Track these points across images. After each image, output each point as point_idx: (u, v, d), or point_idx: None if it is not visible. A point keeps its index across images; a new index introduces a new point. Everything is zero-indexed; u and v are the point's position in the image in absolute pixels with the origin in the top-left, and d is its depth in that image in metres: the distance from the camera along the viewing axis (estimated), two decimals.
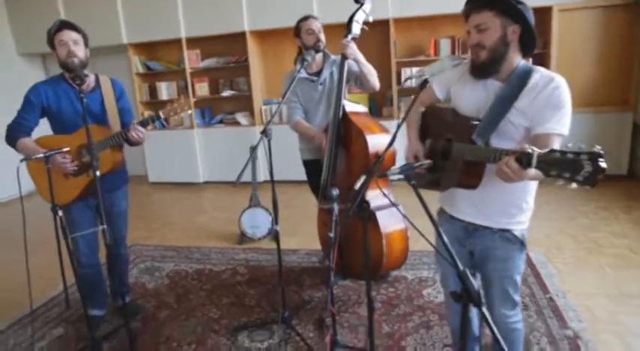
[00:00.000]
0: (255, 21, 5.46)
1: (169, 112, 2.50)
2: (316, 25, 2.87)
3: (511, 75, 1.62)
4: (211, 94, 5.95)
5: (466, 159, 1.58)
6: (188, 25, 5.57)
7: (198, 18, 5.53)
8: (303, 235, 4.16)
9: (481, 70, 1.63)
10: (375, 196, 2.71)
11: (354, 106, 2.80)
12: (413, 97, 1.86)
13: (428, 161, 1.63)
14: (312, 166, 3.07)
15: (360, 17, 2.69)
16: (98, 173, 2.09)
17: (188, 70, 5.77)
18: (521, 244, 1.72)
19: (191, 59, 5.77)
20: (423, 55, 5.27)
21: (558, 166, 1.22)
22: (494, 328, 1.06)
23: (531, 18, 1.60)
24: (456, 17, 4.99)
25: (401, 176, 1.54)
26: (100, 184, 2.11)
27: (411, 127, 1.92)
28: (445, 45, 5.22)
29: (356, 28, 2.69)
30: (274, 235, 4.00)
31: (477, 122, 1.60)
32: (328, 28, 5.31)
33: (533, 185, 1.73)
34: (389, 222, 2.63)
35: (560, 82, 1.59)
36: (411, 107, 1.77)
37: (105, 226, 2.07)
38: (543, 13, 4.86)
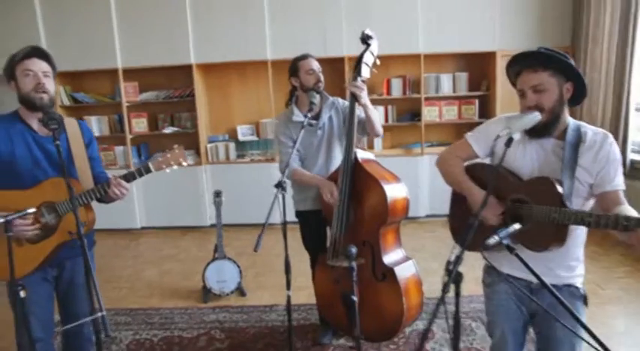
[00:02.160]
0: (202, 54, 5.13)
1: (161, 165, 2.11)
2: (316, 65, 2.68)
3: (565, 131, 1.61)
4: (150, 131, 5.42)
5: (557, 222, 1.47)
6: (126, 54, 5.05)
7: (138, 47, 5.06)
8: (272, 287, 3.83)
9: (540, 131, 1.60)
10: (390, 252, 2.53)
11: (364, 152, 2.63)
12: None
13: (517, 226, 1.50)
14: (310, 218, 2.81)
15: (368, 59, 2.55)
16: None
17: (125, 104, 5.21)
18: (584, 298, 1.71)
19: (128, 92, 5.22)
20: (376, 93, 5.30)
21: None
22: None
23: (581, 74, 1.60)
24: (406, 58, 5.16)
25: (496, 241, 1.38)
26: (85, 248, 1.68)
27: (467, 182, 1.78)
28: (397, 84, 5.32)
29: (365, 71, 2.54)
30: (242, 291, 3.66)
31: (560, 186, 1.52)
32: (282, 64, 5.21)
33: (584, 236, 1.71)
34: (405, 275, 2.45)
35: (611, 137, 1.63)
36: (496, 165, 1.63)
37: (104, 313, 1.63)
38: (488, 57, 5.17)
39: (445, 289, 1.39)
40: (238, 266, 3.66)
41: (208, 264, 3.63)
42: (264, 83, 5.36)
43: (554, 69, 1.56)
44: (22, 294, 1.82)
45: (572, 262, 1.69)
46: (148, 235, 5.43)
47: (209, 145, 5.42)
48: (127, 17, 5.06)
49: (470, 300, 3.38)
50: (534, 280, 1.63)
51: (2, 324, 2.55)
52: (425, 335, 1.42)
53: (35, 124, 2.04)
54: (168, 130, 5.32)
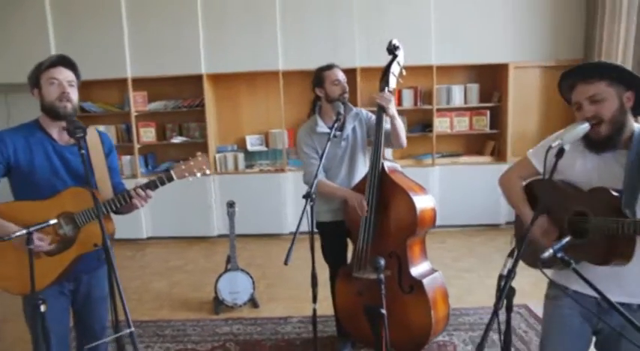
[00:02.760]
0: (213, 64, 5.10)
1: (184, 173, 2.04)
2: (342, 75, 2.65)
3: (631, 140, 1.53)
4: (158, 140, 5.36)
5: (617, 233, 1.41)
6: (136, 64, 5.02)
7: (148, 57, 5.03)
8: (285, 299, 3.74)
9: (603, 144, 1.54)
10: (417, 264, 2.47)
11: (390, 163, 2.58)
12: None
13: (568, 238, 1.43)
14: (332, 229, 2.74)
15: (395, 69, 2.52)
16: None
17: (133, 113, 5.16)
18: None
19: (137, 102, 5.18)
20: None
21: None
22: None
23: None
24: (418, 69, 5.14)
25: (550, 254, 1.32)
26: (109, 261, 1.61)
27: (521, 202, 1.75)
28: (408, 95, 5.30)
29: (392, 81, 2.51)
30: (255, 302, 3.58)
31: (617, 194, 1.46)
32: (293, 75, 5.22)
33: None
34: (433, 288, 2.38)
35: None
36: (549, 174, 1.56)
37: (133, 329, 1.56)
38: (501, 69, 5.16)
39: (498, 303, 1.32)
40: (251, 277, 3.57)
41: (221, 275, 3.54)
42: (274, 93, 5.34)
43: (611, 78, 1.50)
44: (43, 308, 1.74)
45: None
46: (154, 245, 5.33)
47: (218, 155, 5.37)
48: (138, 27, 5.04)
49: (501, 312, 3.31)
50: (609, 297, 1.57)
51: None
52: (481, 346, 1.33)
53: (55, 133, 1.99)
54: (176, 139, 5.27)
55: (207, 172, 2.10)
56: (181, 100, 5.29)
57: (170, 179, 2.00)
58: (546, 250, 1.31)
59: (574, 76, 1.57)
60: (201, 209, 5.26)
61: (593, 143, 1.54)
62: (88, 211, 1.90)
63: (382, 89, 2.50)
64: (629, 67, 4.38)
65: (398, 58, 2.53)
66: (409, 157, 5.51)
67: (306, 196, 2.09)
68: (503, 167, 5.15)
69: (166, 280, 4.29)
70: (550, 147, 1.46)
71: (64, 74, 1.93)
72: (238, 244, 5.15)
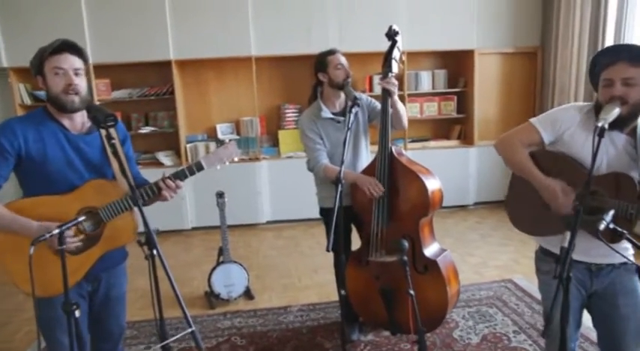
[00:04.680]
0: (182, 50, 4.88)
1: (214, 161, 1.97)
2: (344, 59, 2.64)
3: (635, 129, 1.65)
4: None
5: (633, 217, 1.54)
6: (97, 49, 4.68)
7: (111, 42, 4.71)
8: (278, 289, 3.74)
9: (616, 123, 1.60)
10: (429, 245, 2.55)
11: (396, 147, 2.63)
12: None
13: (612, 212, 1.53)
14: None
15: (396, 54, 2.55)
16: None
17: (96, 103, 4.83)
18: (638, 270, 1.74)
19: (99, 90, 4.85)
20: (359, 90, 5.31)
21: None
22: None
23: None
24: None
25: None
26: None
27: (530, 166, 1.81)
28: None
29: (395, 66, 2.54)
30: (250, 294, 3.53)
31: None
32: (265, 61, 5.10)
33: None
34: (446, 266, 2.48)
35: None
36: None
37: (194, 329, 1.50)
38: (466, 56, 5.35)
39: (561, 276, 1.39)
40: (245, 269, 3.52)
41: (214, 268, 3.46)
42: (245, 80, 5.22)
43: None
44: (78, 313, 1.62)
45: (626, 244, 1.70)
46: None
47: (188, 145, 5.17)
48: (98, 9, 4.69)
49: (489, 287, 3.50)
50: (595, 262, 1.73)
51: None
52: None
53: (67, 122, 1.84)
54: (144, 129, 5.01)
55: (236, 159, 2.04)
56: (147, 88, 5.03)
57: (200, 168, 1.92)
58: (600, 223, 1.40)
59: (619, 54, 1.62)
60: (174, 202, 5.00)
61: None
62: (113, 205, 1.79)
63: (386, 74, 2.54)
64: (584, 54, 4.71)
65: (398, 44, 2.57)
66: (374, 144, 5.61)
67: (336, 182, 2.08)
68: (471, 150, 5.49)
69: (147, 278, 4.11)
70: (597, 127, 1.51)
71: (70, 62, 1.75)
72: (216, 236, 5.04)
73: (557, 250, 1.74)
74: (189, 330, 1.52)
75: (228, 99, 5.39)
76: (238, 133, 5.40)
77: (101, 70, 4.80)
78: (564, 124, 1.78)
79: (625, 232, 1.44)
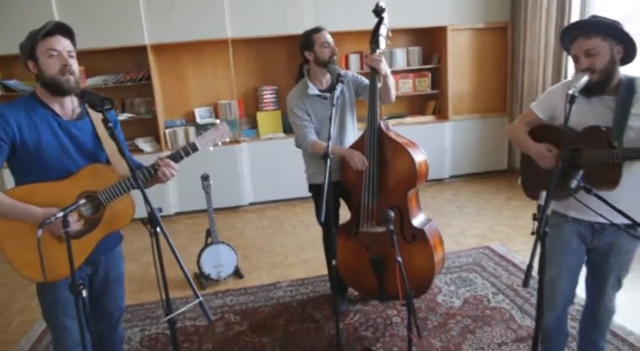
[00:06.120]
0: (157, 34, 4.81)
1: (207, 142, 2.03)
2: (330, 37, 2.69)
3: (618, 87, 1.80)
4: None
5: (604, 163, 1.69)
6: None
7: (83, 28, 4.54)
8: (266, 267, 3.84)
9: (593, 90, 1.78)
10: (417, 215, 2.68)
11: (384, 121, 2.73)
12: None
13: (581, 171, 1.67)
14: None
15: (383, 31, 2.63)
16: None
17: None
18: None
19: None
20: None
21: None
22: None
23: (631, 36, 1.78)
24: (362, 33, 5.26)
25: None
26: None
27: (525, 138, 2.01)
28: (354, 59, 5.44)
29: (382, 43, 2.62)
30: (239, 273, 3.62)
31: (605, 129, 1.73)
32: (241, 42, 5.08)
33: None
34: (432, 234, 2.62)
35: None
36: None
37: (201, 299, 1.58)
38: (439, 32, 5.45)
39: (538, 233, 1.52)
40: (233, 249, 3.60)
41: (203, 250, 3.53)
42: (222, 63, 5.20)
43: (605, 33, 1.73)
44: (84, 293, 1.68)
45: (635, 204, 1.79)
46: None
47: (167, 131, 5.15)
48: None
49: (468, 254, 3.68)
50: (598, 220, 1.83)
51: None
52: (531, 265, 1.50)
53: (57, 108, 1.85)
54: (122, 116, 4.96)
55: (227, 139, 2.10)
56: (123, 74, 4.96)
57: (195, 149, 1.98)
58: (572, 182, 1.54)
59: (575, 30, 1.78)
60: (156, 188, 4.98)
61: (585, 88, 1.76)
62: (112, 188, 1.83)
63: (373, 51, 2.62)
64: (552, 28, 4.87)
65: (384, 20, 2.64)
66: (360, 120, 5.69)
67: (325, 156, 2.17)
68: (446, 125, 5.65)
69: (135, 262, 4.15)
70: (568, 95, 1.64)
71: (63, 44, 1.77)
72: (200, 220, 5.11)
73: (562, 210, 1.92)
74: (197, 300, 1.58)
75: (205, 83, 5.36)
76: (217, 117, 5.40)
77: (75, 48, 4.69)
78: (553, 100, 1.96)
79: (592, 189, 1.58)
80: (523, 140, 2.02)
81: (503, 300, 2.98)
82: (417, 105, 5.89)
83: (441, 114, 5.76)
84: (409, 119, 5.70)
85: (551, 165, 1.86)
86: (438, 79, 5.67)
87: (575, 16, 4.53)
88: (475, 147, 5.81)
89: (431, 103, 5.80)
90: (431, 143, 5.55)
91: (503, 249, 3.73)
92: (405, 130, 5.47)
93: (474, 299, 3.03)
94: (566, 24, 4.65)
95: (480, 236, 4.09)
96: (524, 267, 3.17)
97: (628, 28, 1.79)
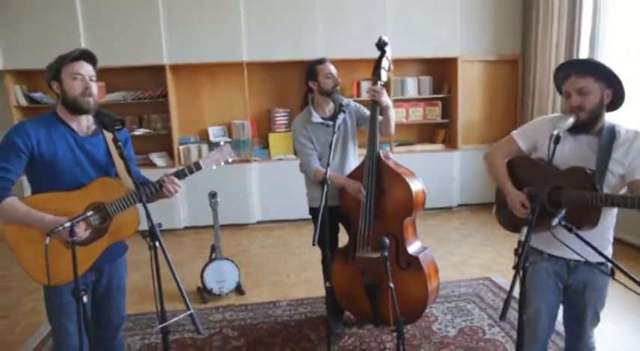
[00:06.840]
0: (176, 54, 5.03)
1: (211, 162, 2.15)
2: (334, 68, 2.81)
3: (601, 130, 1.86)
4: None
5: (590, 203, 1.73)
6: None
7: (105, 47, 4.84)
8: (268, 285, 3.89)
9: (580, 128, 1.84)
10: (412, 243, 2.73)
11: (383, 150, 2.81)
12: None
13: (564, 211, 1.72)
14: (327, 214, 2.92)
15: (385, 64, 2.74)
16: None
17: None
18: (611, 272, 1.91)
19: None
20: (347, 95, 5.49)
21: None
22: None
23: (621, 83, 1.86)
24: (374, 62, 5.42)
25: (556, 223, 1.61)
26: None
27: (504, 178, 2.04)
28: (366, 86, 5.55)
29: (383, 75, 2.73)
30: (241, 290, 3.69)
31: (590, 172, 1.79)
32: (256, 66, 5.26)
33: (614, 220, 1.97)
34: (427, 263, 2.66)
35: None
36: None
37: (192, 311, 1.66)
38: (450, 63, 5.57)
39: (520, 263, 1.57)
40: (236, 265, 3.68)
41: (207, 265, 3.61)
42: (236, 84, 5.38)
43: (599, 75, 1.80)
44: (85, 299, 1.77)
45: (606, 243, 1.93)
46: None
47: (181, 147, 5.32)
48: (94, 13, 4.84)
49: (468, 285, 3.69)
50: (573, 257, 1.89)
51: None
52: (507, 301, 1.56)
53: (75, 125, 2.00)
54: (138, 131, 5.14)
55: (230, 160, 2.22)
56: (141, 91, 5.16)
57: (198, 168, 2.10)
58: (554, 220, 1.60)
59: (571, 69, 1.85)
60: (167, 201, 5.13)
61: (573, 127, 1.82)
62: (119, 201, 1.94)
63: (375, 83, 2.73)
64: (561, 61, 4.93)
65: (387, 54, 2.75)
66: (361, 147, 5.79)
67: (323, 182, 2.26)
68: (455, 154, 5.71)
69: (138, 273, 4.21)
70: (552, 135, 1.71)
71: (86, 69, 1.95)
72: (207, 235, 5.20)
73: (541, 247, 1.96)
74: (188, 312, 1.66)
75: (220, 102, 5.54)
76: (230, 136, 5.55)
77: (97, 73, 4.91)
78: (536, 133, 2.01)
79: (573, 227, 1.63)
80: (501, 179, 2.05)
81: (499, 332, 2.98)
82: (426, 133, 5.97)
83: (450, 143, 5.82)
84: (418, 147, 5.78)
85: (523, 216, 1.91)
86: (449, 108, 5.76)
87: (583, 51, 4.61)
88: (483, 177, 5.81)
89: (441, 131, 5.88)
90: (440, 171, 5.64)
91: (504, 281, 3.73)
92: (414, 157, 5.58)
93: (469, 330, 3.03)
94: (575, 57, 4.73)
95: (482, 267, 4.10)
96: None
97: (621, 75, 1.85)
